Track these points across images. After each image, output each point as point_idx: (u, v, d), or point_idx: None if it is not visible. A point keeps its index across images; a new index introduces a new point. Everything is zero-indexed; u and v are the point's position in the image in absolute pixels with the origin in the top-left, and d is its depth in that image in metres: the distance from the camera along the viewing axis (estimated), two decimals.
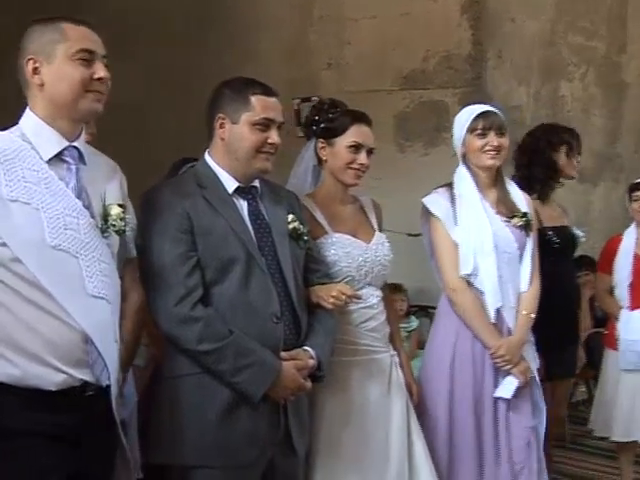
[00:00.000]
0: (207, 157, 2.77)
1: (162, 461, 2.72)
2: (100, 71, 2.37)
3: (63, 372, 2.31)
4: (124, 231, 2.49)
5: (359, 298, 2.95)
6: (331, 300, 2.79)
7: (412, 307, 5.27)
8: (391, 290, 5.45)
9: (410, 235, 4.61)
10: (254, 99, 2.70)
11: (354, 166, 3.07)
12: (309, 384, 2.68)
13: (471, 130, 3.31)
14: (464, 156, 3.36)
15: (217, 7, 5.92)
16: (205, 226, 2.63)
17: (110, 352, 2.39)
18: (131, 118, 5.62)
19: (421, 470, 3.08)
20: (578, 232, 3.89)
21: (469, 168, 3.35)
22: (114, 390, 2.41)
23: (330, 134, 3.12)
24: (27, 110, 2.39)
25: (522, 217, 3.33)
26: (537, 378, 3.35)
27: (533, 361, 3.35)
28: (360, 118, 3.14)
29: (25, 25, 2.36)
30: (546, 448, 3.47)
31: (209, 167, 2.75)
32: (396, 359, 3.17)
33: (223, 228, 2.65)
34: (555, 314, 3.65)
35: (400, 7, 5.15)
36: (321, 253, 3.02)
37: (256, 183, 2.79)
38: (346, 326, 3.02)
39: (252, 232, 2.71)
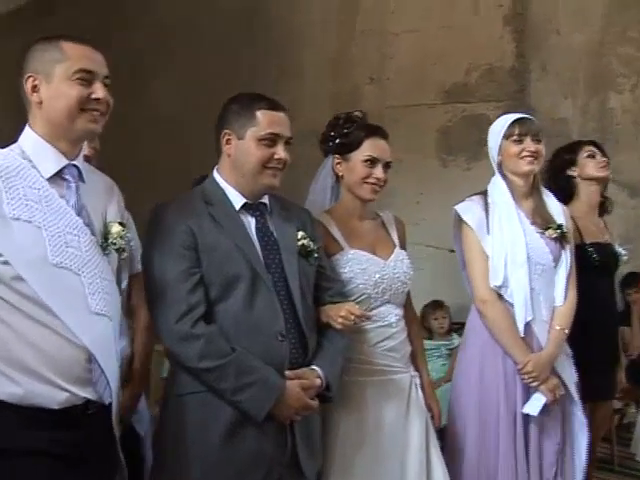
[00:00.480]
0: (215, 174, 2.77)
1: (169, 477, 2.68)
2: (99, 91, 2.37)
3: (66, 390, 2.31)
4: (124, 249, 2.49)
5: (369, 318, 2.88)
6: (339, 320, 2.74)
7: (454, 324, 5.17)
8: (433, 307, 5.42)
9: (452, 251, 4.54)
10: (260, 114, 2.67)
11: (370, 180, 3.03)
12: (316, 403, 2.64)
13: (507, 136, 3.29)
14: (500, 165, 3.34)
15: (261, 22, 5.99)
16: (210, 243, 2.62)
17: (112, 369, 2.39)
18: (172, 130, 5.73)
19: None
20: (620, 250, 3.78)
21: (505, 177, 3.32)
22: (115, 408, 2.41)
23: (345, 149, 3.08)
24: (26, 128, 2.41)
25: (557, 229, 3.27)
26: (575, 394, 3.28)
27: (570, 376, 3.28)
28: (375, 132, 3.10)
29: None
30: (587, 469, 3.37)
31: (217, 184, 2.74)
32: (417, 380, 3.10)
33: (228, 245, 2.63)
34: (594, 333, 3.58)
35: (441, 20, 5.13)
36: (335, 270, 2.98)
37: (265, 200, 2.76)
38: (362, 345, 2.97)
39: (259, 249, 2.68)
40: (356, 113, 3.20)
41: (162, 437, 2.71)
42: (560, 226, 3.29)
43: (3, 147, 2.46)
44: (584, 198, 3.78)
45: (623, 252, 3.80)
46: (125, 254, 2.65)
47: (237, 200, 2.72)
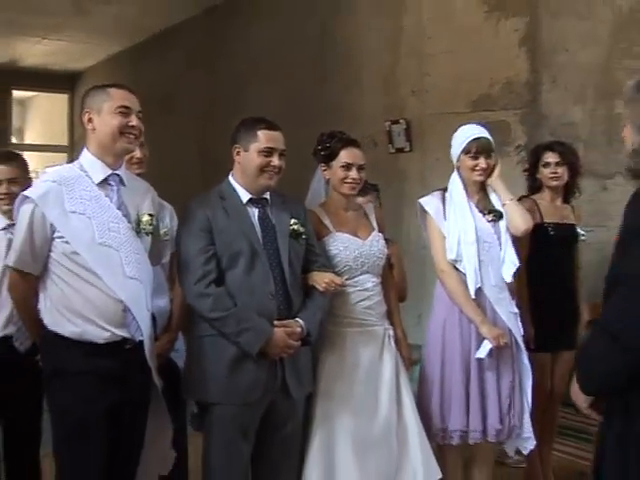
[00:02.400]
0: (230, 177, 3.20)
1: (193, 398, 3.22)
2: (134, 121, 2.85)
3: (108, 330, 2.76)
4: (152, 232, 2.93)
5: (344, 286, 3.24)
6: (323, 285, 3.14)
7: None
8: None
9: None
10: (260, 133, 3.10)
11: (348, 181, 3.38)
12: (297, 345, 3.03)
13: (466, 152, 3.56)
14: (458, 168, 3.62)
15: (329, 47, 6.41)
16: (221, 227, 3.04)
17: (143, 317, 2.83)
18: None
19: (408, 418, 3.36)
20: (580, 231, 4.08)
21: (461, 176, 3.62)
22: (147, 344, 2.85)
23: (328, 159, 3.42)
24: (84, 149, 2.90)
25: (489, 213, 3.58)
26: (521, 344, 3.57)
27: (517, 329, 3.57)
28: (348, 143, 3.42)
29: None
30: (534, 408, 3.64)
31: (230, 184, 3.18)
32: (390, 332, 3.45)
33: (234, 229, 3.06)
34: (554, 294, 3.93)
35: (469, 43, 5.35)
36: (323, 248, 3.33)
37: (267, 195, 3.18)
38: (345, 304, 3.35)
39: (259, 232, 3.10)
40: (337, 130, 3.49)
41: (188, 366, 3.17)
42: (496, 211, 3.57)
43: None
44: (546, 192, 4.13)
45: (582, 232, 4.09)
46: (167, 237, 3.21)
47: (244, 196, 3.14)
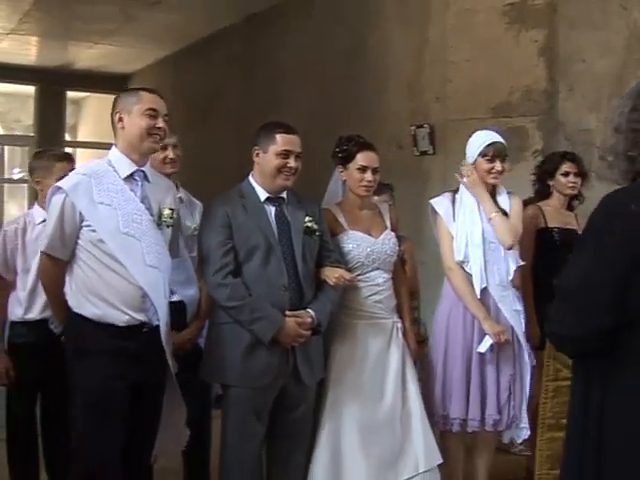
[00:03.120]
0: (250, 177, 3.31)
1: (211, 380, 3.37)
2: (160, 123, 2.95)
3: (127, 314, 2.87)
4: (172, 225, 3.03)
5: (354, 282, 3.35)
6: (334, 279, 3.24)
7: None
8: None
9: None
10: (278, 136, 3.20)
11: (363, 183, 3.46)
12: (307, 334, 3.14)
13: (482, 155, 3.62)
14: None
15: (362, 55, 6.53)
16: (239, 223, 3.16)
17: (160, 303, 2.93)
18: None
19: (412, 405, 3.46)
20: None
21: None
22: (163, 329, 2.94)
23: (345, 161, 3.50)
24: (113, 147, 3.01)
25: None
26: (523, 341, 3.63)
27: (519, 327, 3.62)
28: (365, 146, 3.49)
29: None
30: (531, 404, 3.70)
31: (250, 183, 3.30)
32: (399, 324, 3.53)
33: (252, 225, 3.18)
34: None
35: (490, 52, 5.41)
36: (337, 245, 3.42)
37: (284, 195, 3.28)
38: (357, 298, 3.44)
39: (275, 228, 3.21)
40: (355, 134, 3.57)
41: (208, 350, 3.29)
42: (503, 212, 3.62)
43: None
44: (554, 199, 4.19)
45: None
46: (197, 232, 3.30)
47: (262, 194, 3.25)
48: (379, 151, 3.58)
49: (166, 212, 3.02)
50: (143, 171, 3.02)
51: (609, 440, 1.87)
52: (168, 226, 3.03)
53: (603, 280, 1.86)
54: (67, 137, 12.53)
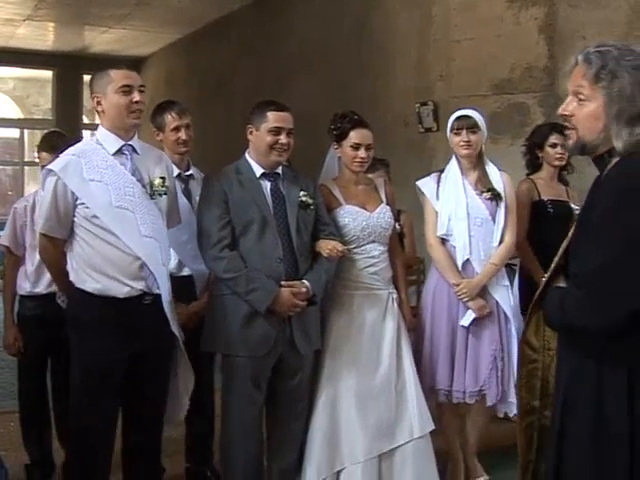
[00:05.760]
0: (246, 154, 3.36)
1: (210, 349, 3.39)
2: (136, 96, 2.96)
3: (127, 285, 2.92)
4: (166, 193, 3.05)
5: (347, 253, 3.38)
6: (327, 251, 3.30)
7: None
8: None
9: None
10: (269, 114, 3.26)
11: (357, 160, 3.49)
12: (303, 304, 3.19)
13: (452, 129, 3.70)
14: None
15: (368, 36, 6.59)
16: (235, 198, 3.21)
17: (159, 271, 2.97)
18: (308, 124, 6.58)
19: (407, 374, 3.50)
20: (574, 206, 4.08)
21: (456, 156, 3.74)
22: (165, 296, 2.98)
23: (339, 138, 3.53)
24: (99, 126, 3.07)
25: (488, 191, 3.66)
26: (509, 314, 3.67)
27: (506, 300, 3.67)
28: (358, 124, 3.51)
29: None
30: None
31: (246, 160, 3.34)
32: (394, 295, 3.56)
33: (248, 199, 3.23)
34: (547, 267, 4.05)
35: (492, 30, 5.43)
36: (333, 219, 3.46)
37: (279, 170, 3.34)
38: (353, 269, 3.48)
39: (270, 203, 3.27)
40: (350, 111, 3.58)
41: (208, 321, 3.34)
42: (493, 189, 3.65)
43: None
44: (545, 171, 4.21)
45: (577, 208, 4.01)
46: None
47: (258, 170, 3.30)
48: (386, 129, 3.71)
49: (157, 181, 3.04)
50: (131, 145, 3.05)
51: None
52: (161, 195, 3.06)
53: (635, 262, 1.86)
54: (85, 120, 12.62)
